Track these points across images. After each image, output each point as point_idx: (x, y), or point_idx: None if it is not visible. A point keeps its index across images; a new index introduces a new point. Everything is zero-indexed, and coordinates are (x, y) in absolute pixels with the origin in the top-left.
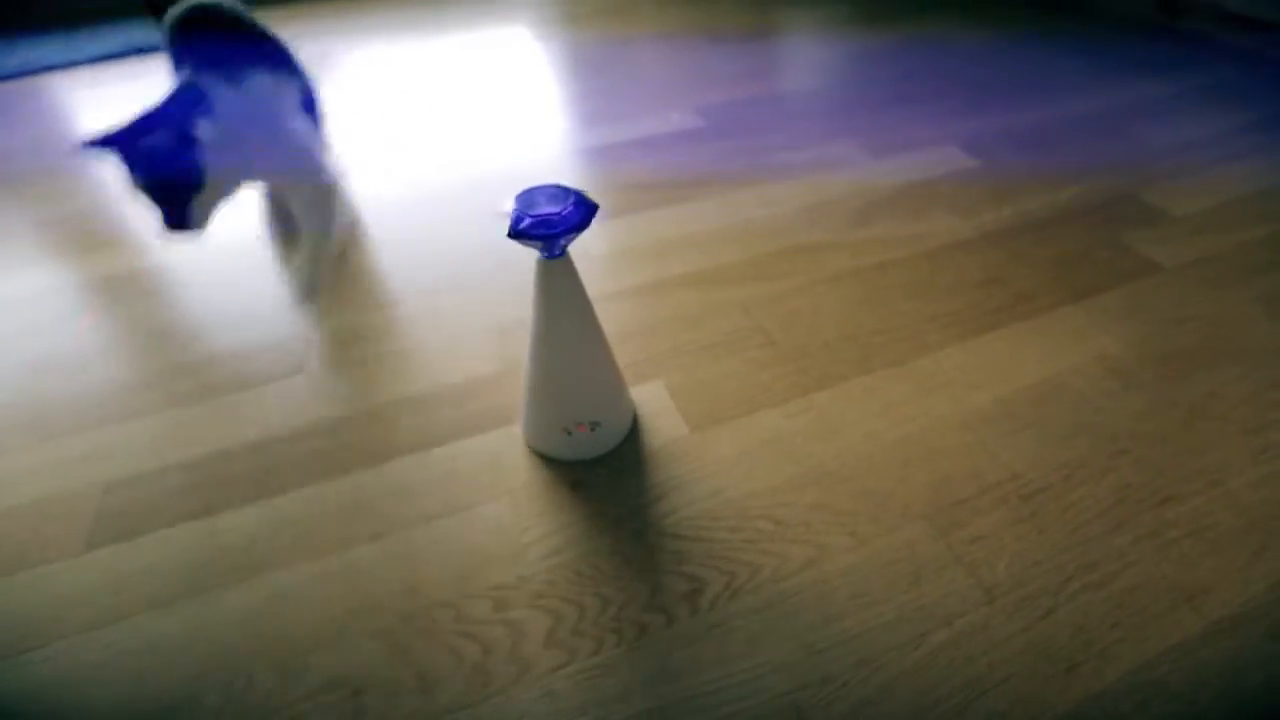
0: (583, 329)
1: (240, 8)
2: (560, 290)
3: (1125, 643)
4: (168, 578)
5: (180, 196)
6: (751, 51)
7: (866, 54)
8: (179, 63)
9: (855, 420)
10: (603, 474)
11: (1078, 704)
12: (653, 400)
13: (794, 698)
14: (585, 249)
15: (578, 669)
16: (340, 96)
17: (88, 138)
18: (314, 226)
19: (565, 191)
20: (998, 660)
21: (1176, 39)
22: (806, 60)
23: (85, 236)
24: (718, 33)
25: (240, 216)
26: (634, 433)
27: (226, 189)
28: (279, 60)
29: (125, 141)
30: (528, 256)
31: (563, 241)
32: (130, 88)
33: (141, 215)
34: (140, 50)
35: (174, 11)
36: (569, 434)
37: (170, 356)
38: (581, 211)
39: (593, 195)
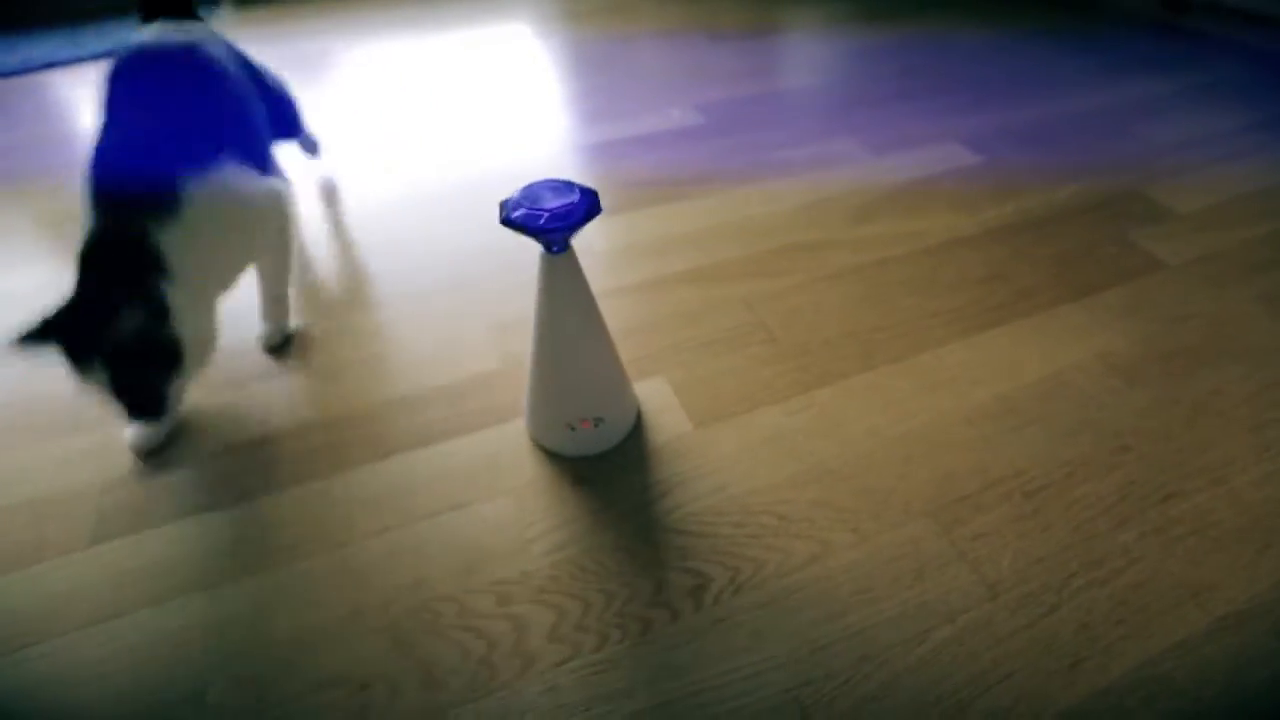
0: (586, 324)
1: (196, 39)
2: (564, 286)
3: (1129, 639)
4: (169, 574)
5: (155, 383)
6: (752, 49)
7: (867, 51)
8: (99, 188)
9: (857, 417)
10: (606, 470)
11: (1082, 700)
12: (656, 396)
13: (797, 693)
14: (587, 246)
15: (582, 664)
16: (340, 95)
17: (21, 331)
18: (271, 279)
19: (569, 186)
20: (1001, 656)
21: (1180, 36)
22: (807, 57)
23: None
24: (718, 30)
25: None
26: (637, 429)
27: (208, 348)
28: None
29: (73, 334)
30: (528, 255)
31: (567, 236)
32: None
33: (96, 402)
34: None
35: (114, 63)
36: (573, 430)
37: None
38: (586, 205)
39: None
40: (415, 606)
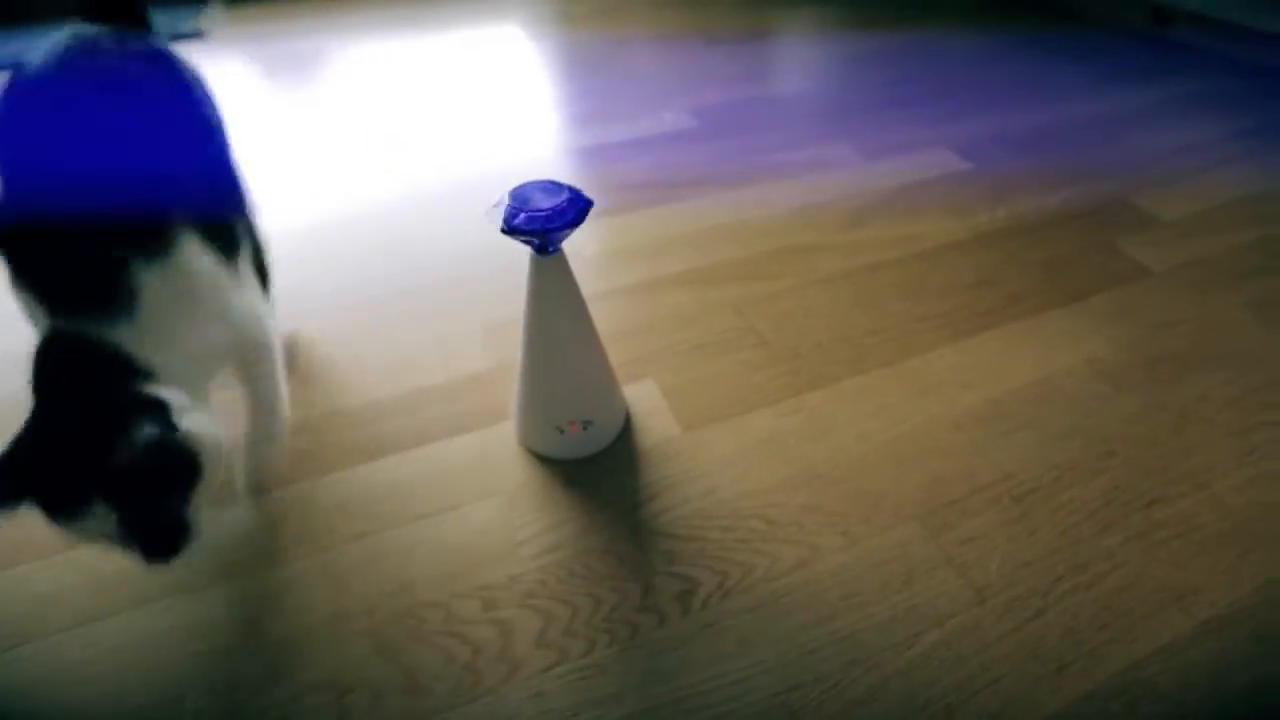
0: (576, 327)
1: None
2: (554, 287)
3: (1114, 643)
4: (150, 578)
5: (176, 509)
6: (746, 53)
7: (861, 57)
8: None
9: (848, 421)
10: (595, 473)
11: (1068, 704)
12: (645, 400)
13: (786, 698)
14: (578, 249)
15: (569, 669)
16: (332, 94)
17: None
18: (262, 412)
19: (559, 187)
20: (989, 660)
21: (1167, 47)
22: (801, 62)
23: None
24: (713, 34)
25: None
26: (626, 432)
27: (220, 446)
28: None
29: (59, 477)
30: (519, 255)
31: (557, 237)
32: None
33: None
34: None
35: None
36: (561, 433)
37: None
38: (576, 207)
39: (586, 194)
40: (399, 612)
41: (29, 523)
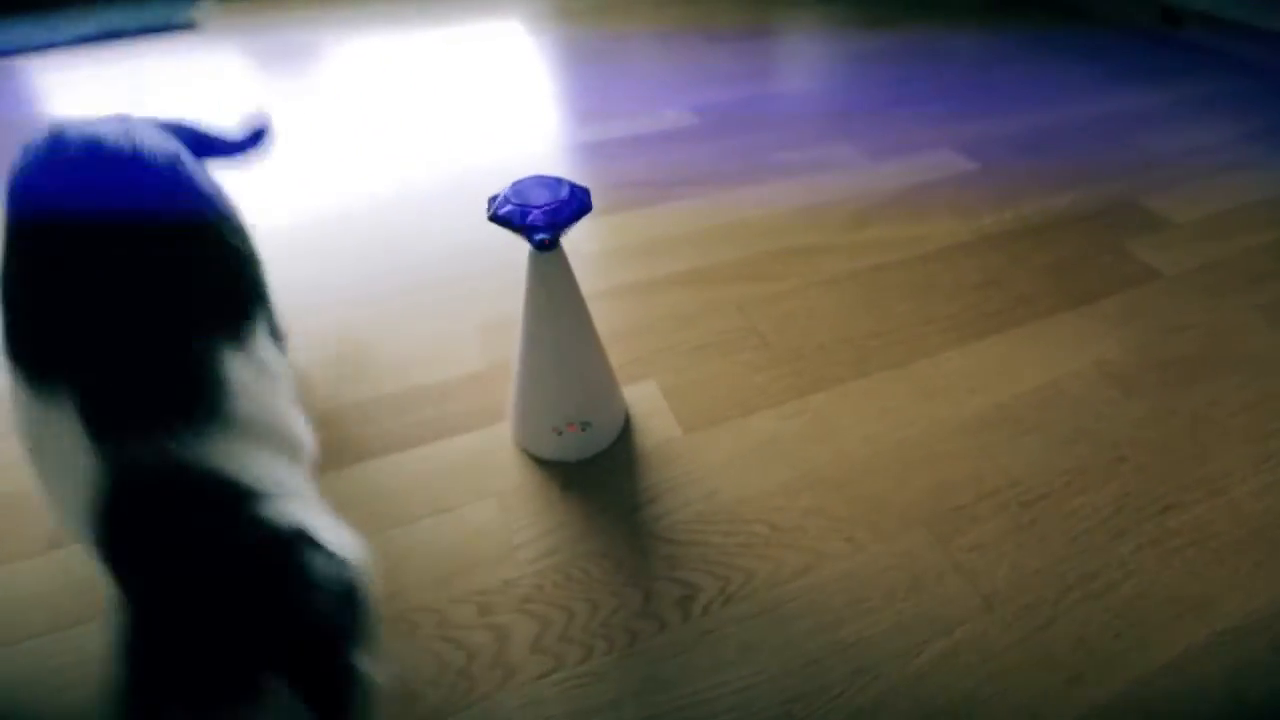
0: (575, 325)
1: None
2: (552, 284)
3: (1127, 654)
4: None
5: (350, 656)
6: (749, 50)
7: (865, 55)
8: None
9: (852, 424)
10: (593, 475)
11: (1079, 716)
12: (645, 401)
13: (789, 708)
14: (576, 247)
15: (565, 676)
16: (327, 89)
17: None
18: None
19: (559, 182)
20: (997, 671)
21: (1177, 47)
22: (805, 60)
23: None
24: (714, 31)
25: None
26: (626, 434)
27: (369, 568)
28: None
29: (219, 682)
30: (517, 252)
31: (557, 233)
32: (108, 71)
33: None
34: (118, 34)
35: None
36: (559, 434)
37: None
38: (576, 202)
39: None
40: (393, 616)
41: (7, 518)
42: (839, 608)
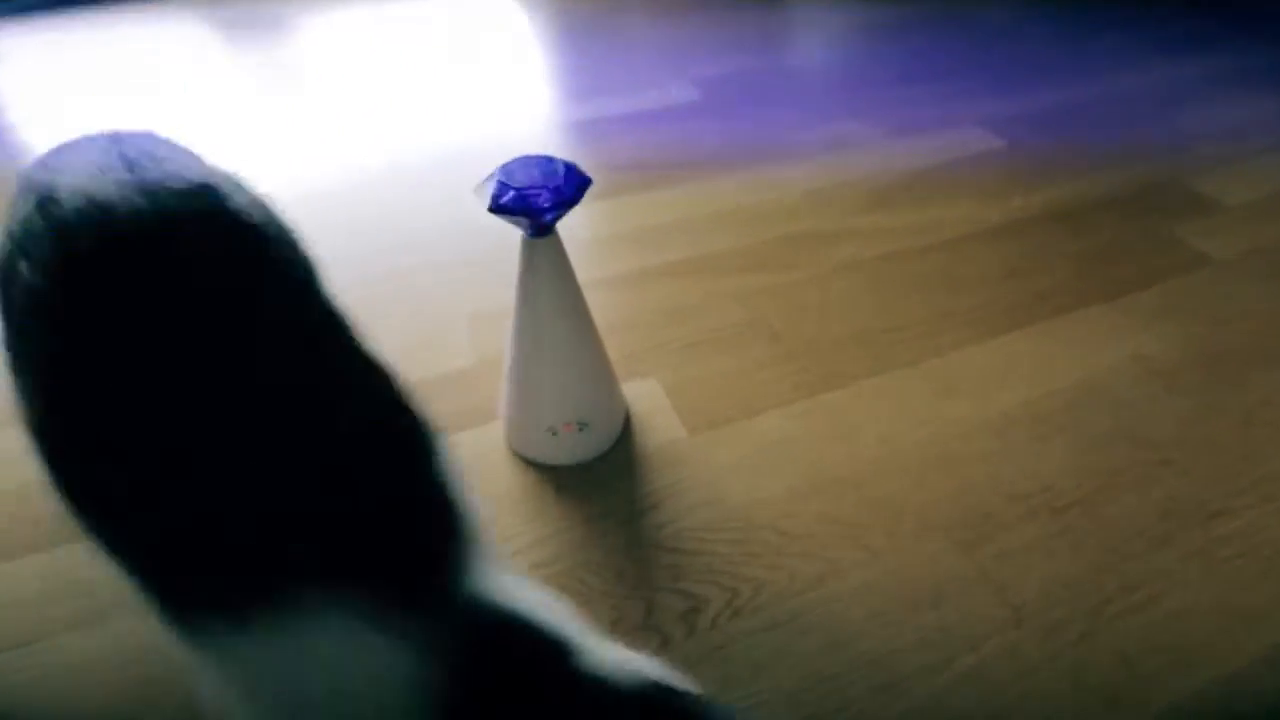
0: (571, 317)
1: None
2: (547, 273)
3: (1170, 671)
4: (103, 591)
5: None
6: (756, 19)
7: (882, 25)
8: None
9: (867, 423)
10: (591, 479)
11: None
12: (646, 399)
13: None
14: (571, 233)
15: None
16: (308, 61)
17: None
18: None
19: (554, 163)
20: (1029, 689)
21: (1222, 14)
22: (816, 30)
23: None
24: None
25: None
26: (626, 434)
27: None
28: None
29: None
30: (509, 238)
31: (551, 217)
32: (66, 40)
33: None
34: (56, 5)
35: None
36: (555, 434)
37: None
38: (573, 184)
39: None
40: None
41: None
42: (856, 620)
